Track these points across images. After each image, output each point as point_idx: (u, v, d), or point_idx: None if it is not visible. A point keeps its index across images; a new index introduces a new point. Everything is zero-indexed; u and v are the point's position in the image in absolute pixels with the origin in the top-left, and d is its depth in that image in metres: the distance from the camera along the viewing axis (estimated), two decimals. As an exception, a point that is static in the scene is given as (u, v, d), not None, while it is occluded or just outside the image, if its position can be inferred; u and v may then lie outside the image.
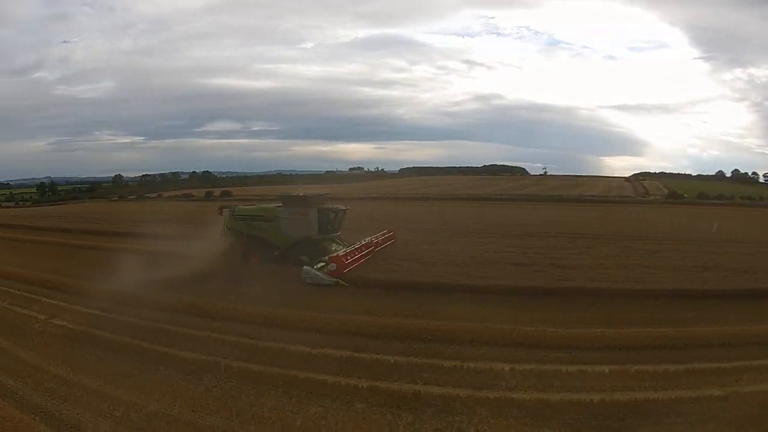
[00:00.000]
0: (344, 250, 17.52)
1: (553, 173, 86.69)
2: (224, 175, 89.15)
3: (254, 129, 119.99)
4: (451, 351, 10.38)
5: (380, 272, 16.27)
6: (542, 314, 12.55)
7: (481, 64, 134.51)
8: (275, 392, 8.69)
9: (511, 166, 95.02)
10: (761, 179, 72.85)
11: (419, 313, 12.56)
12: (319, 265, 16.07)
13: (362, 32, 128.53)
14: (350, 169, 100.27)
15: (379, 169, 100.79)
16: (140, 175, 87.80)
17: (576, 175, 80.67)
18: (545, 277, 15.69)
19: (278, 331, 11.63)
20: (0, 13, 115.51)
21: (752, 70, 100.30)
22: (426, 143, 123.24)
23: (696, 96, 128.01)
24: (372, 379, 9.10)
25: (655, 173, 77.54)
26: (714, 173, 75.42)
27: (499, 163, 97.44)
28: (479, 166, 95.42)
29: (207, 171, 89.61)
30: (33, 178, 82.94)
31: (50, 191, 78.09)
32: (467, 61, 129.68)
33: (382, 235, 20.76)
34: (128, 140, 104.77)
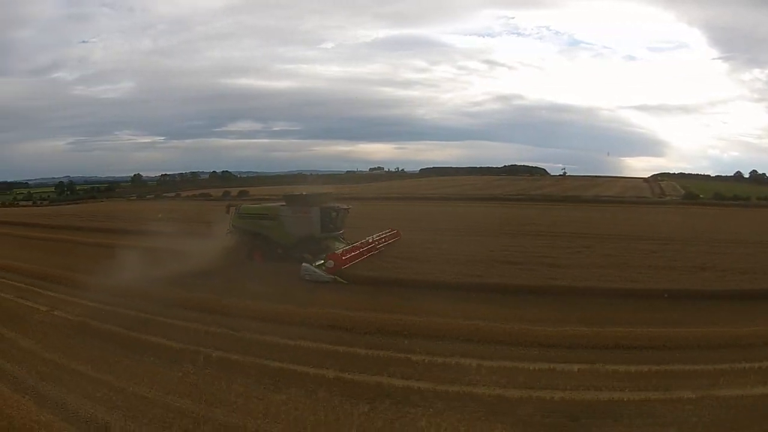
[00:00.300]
0: (344, 247, 17.87)
1: (573, 174, 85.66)
2: (245, 175, 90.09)
3: (275, 129, 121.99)
4: (424, 346, 10.60)
5: (373, 270, 16.56)
6: (522, 312, 12.62)
7: (502, 65, 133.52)
8: (246, 380, 9.12)
9: (532, 167, 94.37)
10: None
11: (399, 309, 12.80)
12: (318, 263, 16.46)
13: (383, 32, 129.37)
14: (371, 170, 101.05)
15: (400, 169, 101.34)
16: (159, 174, 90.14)
17: (595, 176, 79.30)
18: (534, 275, 15.69)
19: (263, 324, 12.08)
20: (19, 14, 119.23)
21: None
22: (447, 143, 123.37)
23: (715, 96, 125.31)
24: (340, 370, 9.44)
25: (675, 174, 75.84)
26: (732, 174, 73.85)
27: (519, 164, 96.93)
28: (499, 166, 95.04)
29: (227, 171, 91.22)
30: (52, 178, 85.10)
31: (68, 190, 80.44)
32: (488, 62, 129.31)
33: (387, 233, 21.07)
34: (148, 140, 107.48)
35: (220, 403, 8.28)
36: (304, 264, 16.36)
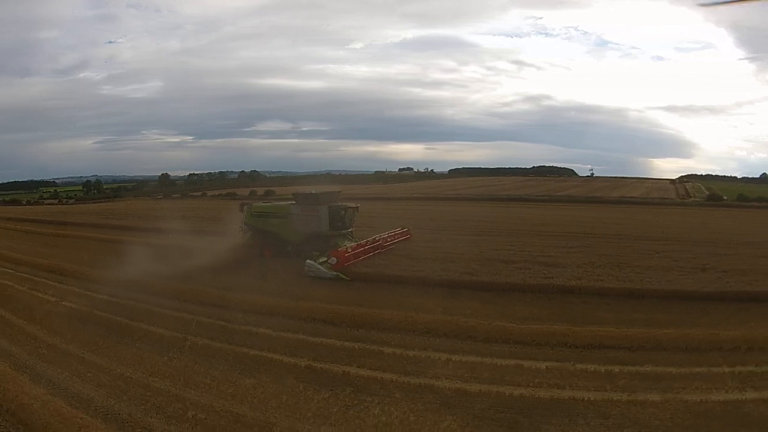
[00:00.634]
0: (350, 245, 18.22)
1: (601, 175, 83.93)
2: (273, 175, 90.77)
3: (304, 129, 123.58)
4: (398, 339, 10.95)
5: (368, 266, 16.90)
6: (505, 309, 12.76)
7: (531, 65, 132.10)
8: (224, 366, 9.74)
9: (560, 168, 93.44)
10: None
11: (383, 305, 13.15)
12: (321, 260, 16.87)
13: (411, 33, 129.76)
14: (399, 170, 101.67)
15: (429, 169, 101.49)
16: (187, 174, 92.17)
17: (622, 177, 77.45)
18: (527, 274, 15.67)
19: (254, 317, 12.64)
20: (45, 15, 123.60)
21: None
22: (476, 144, 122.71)
23: (742, 97, 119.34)
24: (312, 359, 9.92)
25: (702, 176, 73.16)
26: (758, 176, 71.00)
27: (548, 165, 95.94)
28: (528, 167, 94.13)
29: (255, 170, 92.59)
30: (80, 176, 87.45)
31: (95, 189, 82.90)
32: (516, 62, 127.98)
33: (397, 232, 21.35)
34: (177, 139, 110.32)
35: (195, 385, 8.91)
36: (308, 261, 16.80)
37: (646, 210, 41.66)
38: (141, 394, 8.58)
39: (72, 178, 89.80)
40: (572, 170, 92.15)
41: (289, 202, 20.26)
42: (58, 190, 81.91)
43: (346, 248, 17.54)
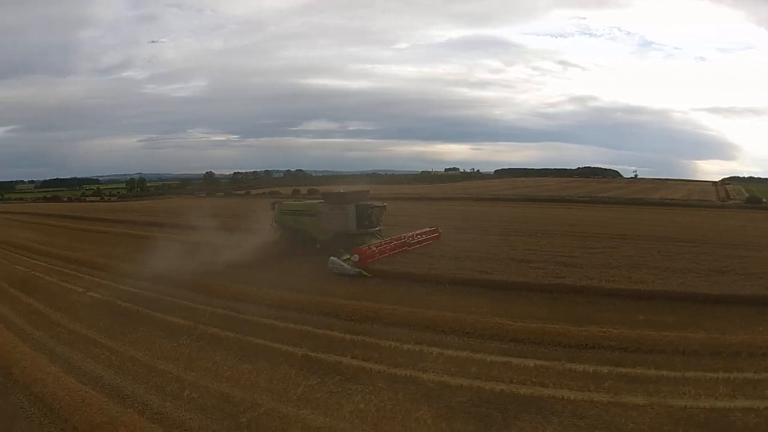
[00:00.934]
0: (374, 243, 18.53)
1: (645, 176, 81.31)
2: (319, 174, 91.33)
3: (351, 128, 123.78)
4: (397, 333, 11.18)
5: (386, 264, 17.12)
6: (509, 307, 12.70)
7: (575, 65, 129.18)
8: (226, 352, 10.36)
9: (605, 169, 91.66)
10: None
11: (391, 300, 13.36)
12: (345, 257, 17.22)
13: (456, 33, 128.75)
14: (446, 170, 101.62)
15: (475, 170, 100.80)
16: (232, 172, 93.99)
17: (666, 179, 74.68)
18: (541, 273, 15.42)
19: (264, 309, 13.20)
20: (86, 14, 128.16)
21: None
22: (522, 144, 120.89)
23: None
24: (310, 349, 10.34)
25: (744, 178, 69.35)
26: (801, 178, 66.12)
27: (593, 166, 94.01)
28: (573, 168, 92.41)
29: (300, 169, 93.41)
30: (124, 174, 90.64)
31: (138, 187, 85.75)
32: (561, 62, 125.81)
33: (425, 231, 21.48)
34: (222, 138, 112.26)
35: (196, 368, 9.60)
36: (331, 257, 17.19)
37: (686, 212, 40.01)
38: (145, 374, 9.34)
39: (116, 175, 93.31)
40: (617, 171, 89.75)
41: (318, 201, 20.82)
42: (101, 188, 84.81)
43: (370, 246, 17.91)
